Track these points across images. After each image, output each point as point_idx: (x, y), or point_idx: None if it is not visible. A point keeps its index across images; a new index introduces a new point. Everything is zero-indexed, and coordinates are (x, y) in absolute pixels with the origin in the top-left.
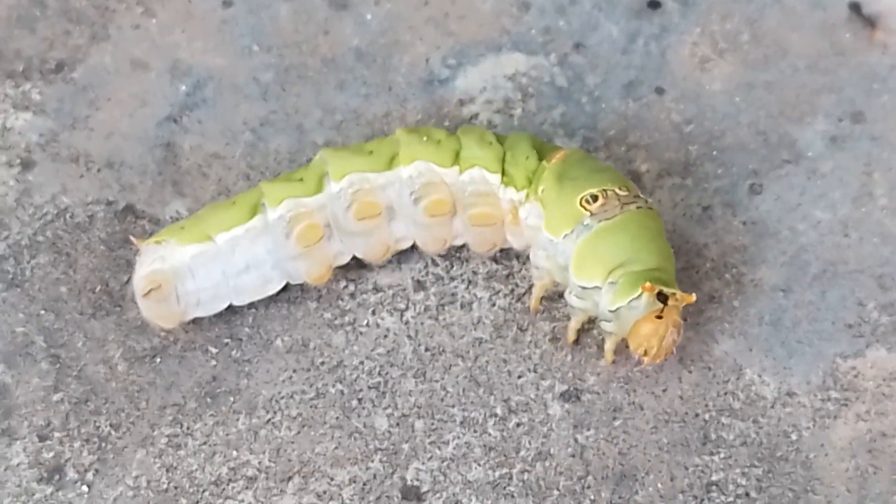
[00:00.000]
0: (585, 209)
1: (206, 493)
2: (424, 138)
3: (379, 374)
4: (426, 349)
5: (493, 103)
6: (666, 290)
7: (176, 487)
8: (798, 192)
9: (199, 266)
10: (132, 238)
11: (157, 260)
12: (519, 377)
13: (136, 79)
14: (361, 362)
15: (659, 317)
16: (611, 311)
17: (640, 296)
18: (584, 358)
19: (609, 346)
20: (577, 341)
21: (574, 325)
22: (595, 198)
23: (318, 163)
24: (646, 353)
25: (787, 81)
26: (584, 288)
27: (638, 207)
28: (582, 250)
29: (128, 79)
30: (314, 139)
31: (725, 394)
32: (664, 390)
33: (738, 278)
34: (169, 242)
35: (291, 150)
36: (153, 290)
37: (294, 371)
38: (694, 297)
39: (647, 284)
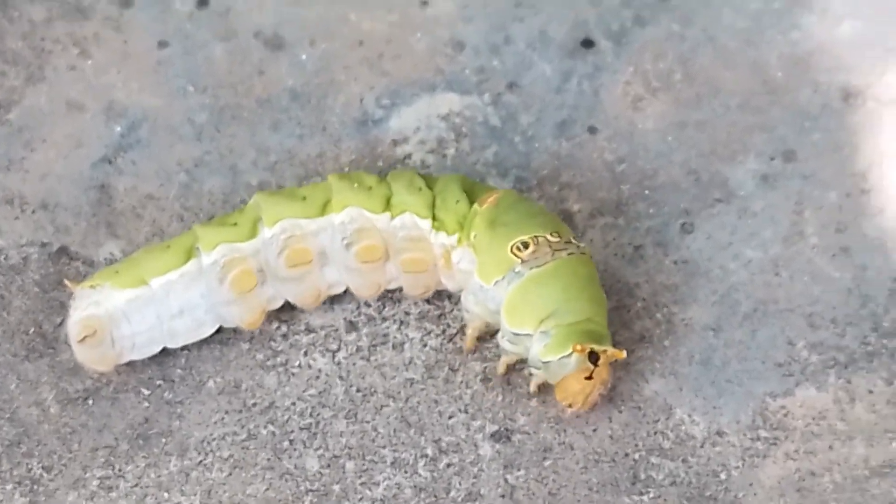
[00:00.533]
0: (517, 256)
1: None
2: (356, 185)
3: (310, 415)
4: (358, 390)
5: (427, 143)
6: (597, 348)
7: None
8: (729, 231)
9: (133, 311)
10: (66, 282)
11: (91, 305)
12: (450, 417)
13: (71, 120)
14: (293, 403)
15: (589, 377)
16: (542, 363)
17: (570, 354)
18: (515, 398)
19: (535, 381)
20: (507, 381)
21: (505, 360)
22: (526, 245)
23: (252, 207)
24: (570, 406)
25: (719, 120)
26: (516, 334)
27: (570, 254)
28: (513, 298)
29: (63, 120)
30: (248, 180)
31: (655, 433)
32: (594, 430)
33: (668, 317)
34: (104, 287)
35: (225, 192)
36: (88, 337)
37: (226, 412)
38: (624, 353)
39: (579, 346)
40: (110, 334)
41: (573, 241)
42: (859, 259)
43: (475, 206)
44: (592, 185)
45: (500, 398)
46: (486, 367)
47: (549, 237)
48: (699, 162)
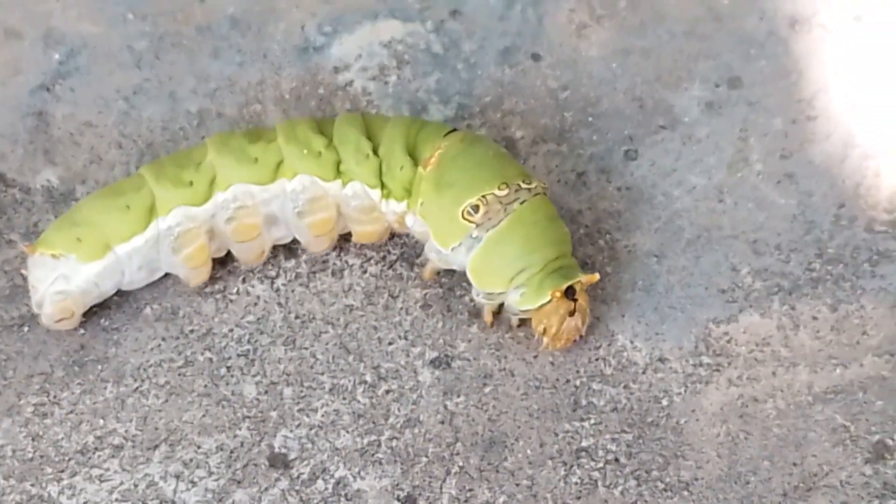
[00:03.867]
0: (469, 221)
1: (72, 462)
2: (305, 151)
3: (248, 341)
4: (296, 316)
5: (369, 70)
6: (572, 282)
7: (42, 456)
8: (673, 158)
9: (102, 278)
10: (22, 246)
11: (60, 280)
12: (389, 344)
13: (8, 47)
14: (231, 330)
15: (572, 313)
16: (521, 311)
17: (549, 300)
18: (455, 324)
19: (488, 310)
20: (448, 307)
21: (489, 308)
22: (476, 208)
23: (207, 166)
24: (545, 332)
25: (664, 47)
26: (489, 293)
27: (522, 202)
28: (476, 264)
29: (1, 47)
30: (187, 107)
31: (597, 360)
32: (535, 357)
33: (611, 244)
34: (69, 259)
35: (164, 119)
36: (66, 319)
37: (163, 339)
38: (597, 276)
39: (558, 293)
40: (82, 305)
41: (523, 184)
42: (804, 185)
43: (419, 169)
44: (535, 112)
45: (440, 324)
46: (426, 294)
47: (497, 192)
48: (643, 89)
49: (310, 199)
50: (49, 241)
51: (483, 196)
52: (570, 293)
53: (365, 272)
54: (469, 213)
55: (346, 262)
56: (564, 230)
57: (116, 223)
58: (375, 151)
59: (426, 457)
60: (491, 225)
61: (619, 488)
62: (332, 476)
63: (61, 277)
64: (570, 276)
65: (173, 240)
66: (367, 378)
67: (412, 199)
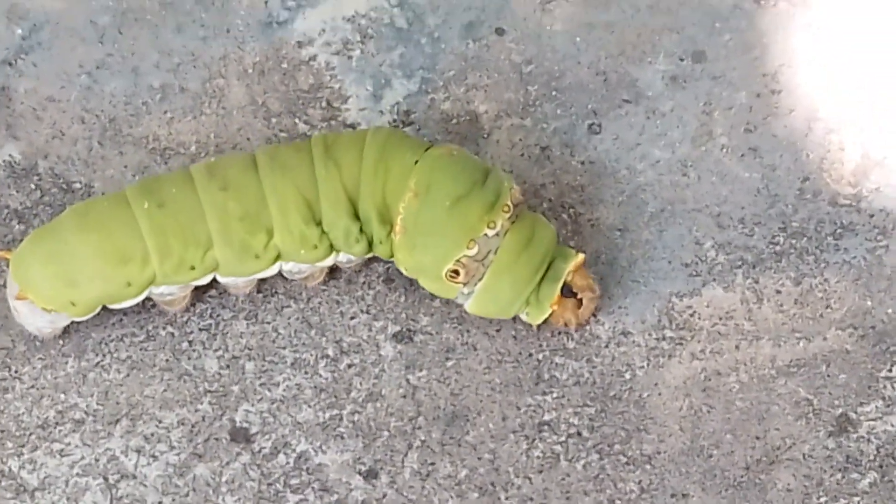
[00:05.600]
0: (454, 283)
1: (33, 437)
2: (302, 251)
3: (210, 316)
4: (258, 291)
5: (332, 45)
6: (567, 280)
7: (2, 431)
8: (637, 132)
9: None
10: (1, 253)
11: (48, 323)
12: (351, 318)
13: None
14: (193, 304)
15: (580, 300)
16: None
17: (552, 312)
18: (418, 299)
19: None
20: (410, 282)
21: None
22: (456, 272)
23: (210, 259)
24: (580, 325)
25: (628, 21)
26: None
27: (497, 249)
28: (477, 310)
29: None
30: (150, 82)
31: (559, 333)
32: (498, 330)
33: (575, 218)
34: (61, 315)
35: (127, 94)
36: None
37: (124, 314)
38: (582, 255)
39: (554, 303)
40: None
41: (489, 230)
42: (768, 159)
43: (391, 237)
44: (499, 86)
45: (402, 299)
46: (388, 268)
47: (468, 252)
48: (607, 63)
49: (306, 276)
50: (42, 297)
51: (458, 260)
52: (566, 290)
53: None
54: (451, 276)
55: None
56: (549, 229)
57: (115, 295)
58: (361, 229)
59: (388, 431)
60: (475, 281)
61: (582, 462)
62: (294, 450)
63: (49, 322)
64: (558, 275)
65: (162, 297)
66: (329, 352)
67: (397, 260)
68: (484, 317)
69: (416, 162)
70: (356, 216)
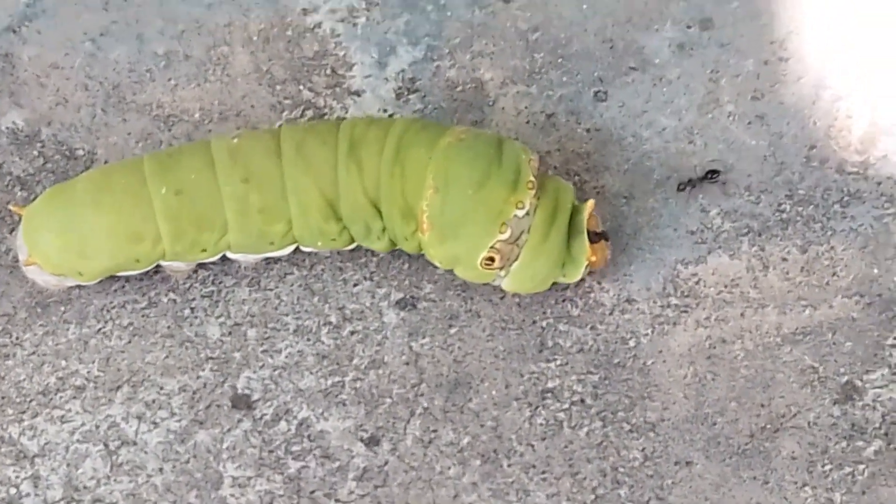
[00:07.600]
0: (490, 270)
1: (34, 403)
2: (320, 242)
3: (212, 282)
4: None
5: (337, 12)
6: (590, 229)
7: (3, 397)
8: (643, 99)
9: None
10: (13, 207)
11: (56, 280)
12: (355, 285)
13: None
14: (195, 271)
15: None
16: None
17: (587, 266)
18: (421, 266)
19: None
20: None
21: None
22: (491, 259)
23: (224, 243)
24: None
25: None
26: None
27: (530, 228)
28: (514, 288)
29: None
30: (155, 49)
31: (564, 301)
32: (502, 297)
33: (580, 185)
34: (67, 278)
35: (131, 61)
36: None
37: (126, 280)
38: (592, 201)
39: (590, 255)
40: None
41: (518, 209)
42: (775, 127)
43: (418, 235)
44: (505, 53)
45: (406, 266)
46: None
47: (500, 236)
48: (614, 30)
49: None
50: (52, 263)
51: (492, 247)
52: (597, 237)
53: None
54: (486, 264)
55: None
56: (568, 199)
57: (123, 267)
58: (384, 227)
59: (390, 398)
60: (510, 264)
61: (585, 429)
62: (296, 417)
63: (58, 280)
64: (580, 228)
65: (169, 267)
66: (332, 319)
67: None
68: (522, 292)
69: (430, 158)
70: (378, 215)
